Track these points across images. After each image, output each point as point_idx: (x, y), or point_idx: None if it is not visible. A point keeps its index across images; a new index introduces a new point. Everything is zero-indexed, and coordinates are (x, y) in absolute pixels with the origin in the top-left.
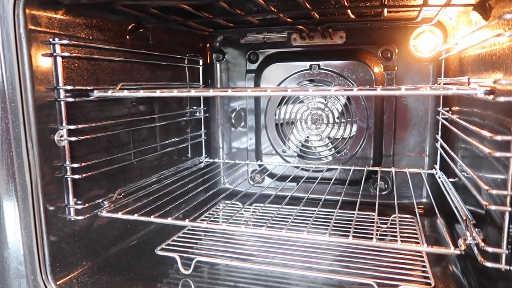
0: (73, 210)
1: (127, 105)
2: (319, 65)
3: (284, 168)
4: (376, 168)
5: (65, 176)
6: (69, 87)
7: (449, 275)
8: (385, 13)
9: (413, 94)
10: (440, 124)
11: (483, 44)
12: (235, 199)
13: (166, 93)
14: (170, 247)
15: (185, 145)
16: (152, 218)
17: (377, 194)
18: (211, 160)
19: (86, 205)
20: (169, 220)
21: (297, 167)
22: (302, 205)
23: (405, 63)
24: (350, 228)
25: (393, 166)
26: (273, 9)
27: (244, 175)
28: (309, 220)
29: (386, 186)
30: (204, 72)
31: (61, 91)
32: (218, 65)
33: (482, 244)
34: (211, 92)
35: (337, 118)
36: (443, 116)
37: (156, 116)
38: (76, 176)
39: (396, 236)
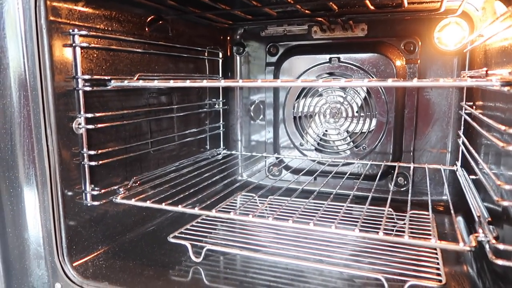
0: (89, 195)
1: (145, 95)
2: (339, 58)
3: (302, 161)
4: (395, 163)
5: (83, 162)
6: (87, 77)
7: (463, 274)
8: (406, 4)
9: (425, 85)
10: (462, 119)
11: (505, 34)
12: (248, 190)
13: (179, 83)
14: (183, 235)
15: (203, 136)
16: (163, 206)
17: (393, 189)
18: (229, 152)
19: (102, 191)
20: (179, 208)
21: (315, 161)
22: (316, 198)
23: (429, 56)
24: (364, 222)
25: (413, 161)
26: (290, 0)
27: (262, 168)
28: (319, 213)
29: (405, 182)
30: (224, 65)
31: (79, 80)
32: (238, 58)
33: (493, 241)
34: (222, 83)
35: (356, 112)
36: (466, 111)
37: (174, 107)
38: (93, 163)
39: (410, 232)
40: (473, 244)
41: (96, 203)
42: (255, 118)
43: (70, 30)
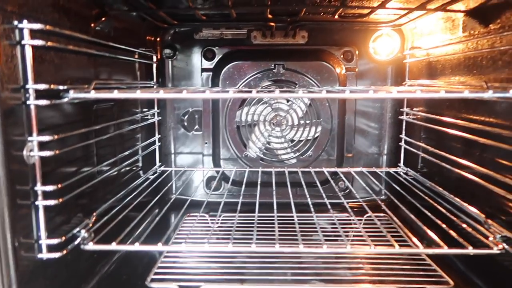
0: (45, 246)
1: (91, 110)
2: (283, 65)
3: (245, 173)
4: (338, 169)
5: (36, 202)
6: (41, 86)
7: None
8: (336, 16)
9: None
10: (404, 123)
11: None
12: (194, 209)
13: (161, 95)
14: (161, 276)
15: (140, 154)
16: (159, 246)
17: (340, 194)
18: (167, 169)
19: (63, 238)
20: (180, 246)
21: (260, 172)
22: (264, 210)
23: (365, 65)
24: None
25: (353, 165)
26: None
27: (200, 183)
28: (276, 227)
29: (346, 185)
30: (157, 70)
31: (30, 91)
32: (169, 62)
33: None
34: (206, 94)
35: (301, 119)
36: (409, 116)
37: (116, 122)
38: (51, 202)
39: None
40: (501, 246)
41: (55, 255)
42: (189, 129)
43: (16, 22)
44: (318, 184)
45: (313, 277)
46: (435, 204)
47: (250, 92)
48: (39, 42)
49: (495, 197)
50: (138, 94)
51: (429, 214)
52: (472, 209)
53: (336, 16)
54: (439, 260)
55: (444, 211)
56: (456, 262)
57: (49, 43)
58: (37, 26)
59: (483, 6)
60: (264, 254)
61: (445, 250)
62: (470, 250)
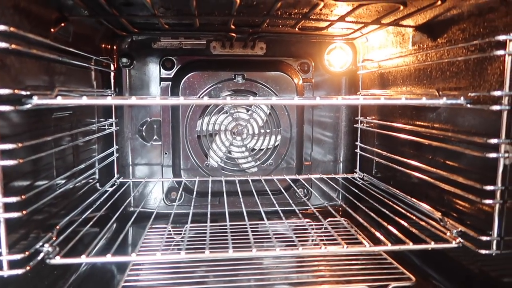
0: (6, 262)
1: (50, 118)
2: (243, 75)
3: (206, 183)
4: (297, 176)
5: None
6: (4, 91)
7: (418, 269)
8: (296, 29)
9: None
10: (359, 131)
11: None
12: (156, 221)
13: (121, 101)
14: None
15: (97, 166)
16: (133, 256)
17: (299, 201)
18: (126, 181)
19: (26, 253)
20: (155, 255)
21: (222, 181)
22: (230, 220)
23: (321, 76)
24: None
25: (312, 172)
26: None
27: (159, 194)
28: (229, 235)
29: (307, 191)
30: (115, 79)
31: None
32: (127, 71)
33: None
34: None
35: (261, 127)
36: (364, 124)
37: (75, 131)
38: (13, 215)
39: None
40: (458, 240)
41: (18, 271)
42: (147, 139)
43: None
44: (283, 190)
45: (278, 282)
46: (393, 205)
47: (202, 99)
48: (2, 45)
49: (448, 195)
50: (108, 101)
51: (388, 213)
52: (428, 208)
53: (296, 29)
54: (398, 257)
55: (402, 210)
56: (414, 259)
57: (13, 46)
58: (1, 27)
59: (431, 22)
60: (227, 263)
61: (409, 246)
62: (432, 245)
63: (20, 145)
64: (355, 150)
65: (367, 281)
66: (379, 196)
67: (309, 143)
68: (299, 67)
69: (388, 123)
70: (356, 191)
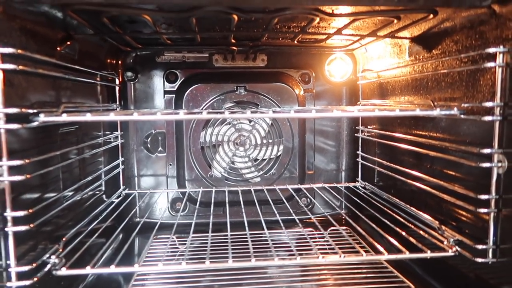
0: (15, 274)
1: (56, 134)
2: (245, 87)
3: (210, 193)
4: (300, 186)
5: (6, 229)
6: (12, 110)
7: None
8: (299, 40)
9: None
10: (360, 140)
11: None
12: (160, 231)
13: (125, 117)
14: None
15: (104, 178)
16: (135, 267)
17: (301, 210)
18: (131, 192)
19: (34, 264)
20: (157, 266)
21: (225, 191)
22: (232, 229)
23: (322, 86)
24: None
25: (315, 181)
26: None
27: (164, 205)
28: (229, 245)
29: (310, 201)
30: (120, 92)
31: (0, 115)
32: (131, 85)
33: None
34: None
35: (264, 138)
36: (365, 134)
37: (81, 145)
38: (22, 228)
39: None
40: (454, 249)
41: (25, 283)
42: (152, 151)
43: None
44: (285, 200)
45: None
46: (393, 214)
47: (201, 113)
48: (10, 66)
49: (446, 204)
50: (112, 117)
51: (388, 223)
52: (427, 217)
53: (295, 41)
54: (399, 267)
55: (402, 220)
56: (415, 268)
57: (20, 67)
58: (8, 50)
59: (426, 34)
60: (231, 272)
61: (406, 255)
62: (428, 254)
63: (27, 161)
64: (357, 159)
65: None
66: (380, 206)
67: (311, 152)
68: (300, 78)
69: (388, 133)
70: (358, 200)
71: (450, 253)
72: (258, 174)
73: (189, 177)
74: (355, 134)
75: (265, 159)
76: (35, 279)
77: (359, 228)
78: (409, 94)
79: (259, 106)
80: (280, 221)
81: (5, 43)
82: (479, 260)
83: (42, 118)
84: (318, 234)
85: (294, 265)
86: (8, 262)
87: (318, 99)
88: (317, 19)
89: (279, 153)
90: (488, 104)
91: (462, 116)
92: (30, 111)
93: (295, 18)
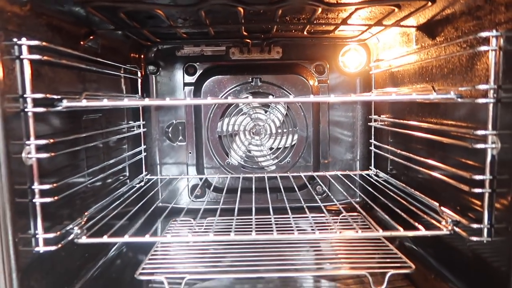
0: (42, 240)
1: (80, 119)
2: (260, 78)
3: (227, 180)
4: (314, 173)
5: (34, 200)
6: (38, 95)
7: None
8: (305, 33)
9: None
10: (373, 129)
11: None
12: (182, 215)
13: (133, 102)
14: (149, 270)
15: (127, 162)
16: (146, 238)
17: (316, 198)
18: (153, 177)
19: (58, 232)
20: (162, 237)
21: (242, 178)
22: (251, 214)
23: (336, 77)
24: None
25: (329, 170)
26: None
27: (185, 191)
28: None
29: (324, 189)
30: (143, 85)
31: (28, 100)
32: (153, 78)
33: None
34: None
35: (279, 128)
36: (379, 123)
37: (104, 131)
38: (47, 200)
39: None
40: (450, 228)
41: (51, 248)
42: (173, 140)
43: (16, 39)
44: (299, 188)
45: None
46: (400, 200)
47: (226, 98)
48: (35, 57)
49: (446, 187)
50: (125, 102)
51: (392, 206)
52: (430, 200)
53: (305, 33)
54: (402, 247)
55: (407, 204)
56: (418, 249)
57: (45, 57)
58: (34, 42)
59: (430, 22)
60: (243, 247)
61: (400, 232)
62: (422, 232)
63: (51, 141)
64: (370, 148)
65: (369, 268)
66: (389, 192)
67: (326, 142)
68: (314, 69)
69: (397, 120)
70: (370, 188)
71: (445, 231)
72: (273, 162)
73: (208, 165)
74: (368, 123)
75: (280, 148)
76: (60, 245)
77: (371, 216)
78: (417, 82)
79: (273, 97)
80: (288, 208)
81: (32, 37)
82: (474, 238)
83: (65, 103)
84: (332, 219)
85: (307, 244)
86: (36, 229)
87: (332, 89)
88: (319, 10)
89: (293, 142)
90: (483, 87)
91: (459, 99)
92: (55, 96)
93: (300, 10)
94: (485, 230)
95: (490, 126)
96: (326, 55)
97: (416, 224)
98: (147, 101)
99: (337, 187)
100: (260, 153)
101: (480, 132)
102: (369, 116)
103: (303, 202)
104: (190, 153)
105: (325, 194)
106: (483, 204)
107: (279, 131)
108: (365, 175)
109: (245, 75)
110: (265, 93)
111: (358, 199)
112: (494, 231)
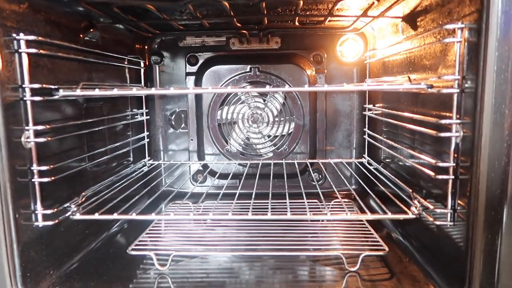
0: (41, 215)
1: (80, 107)
2: (258, 68)
3: (227, 166)
4: (310, 160)
5: (32, 180)
6: (36, 85)
7: (393, 240)
8: (296, 23)
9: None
10: (367, 118)
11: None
12: (185, 199)
13: (126, 92)
14: (141, 246)
15: (131, 147)
16: (132, 216)
17: (312, 184)
18: (155, 162)
19: (55, 209)
20: (151, 216)
21: (240, 164)
22: (250, 198)
23: (333, 66)
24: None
25: (325, 158)
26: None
27: (187, 176)
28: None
29: (320, 176)
30: (145, 74)
31: (26, 89)
32: (157, 68)
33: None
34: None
35: (276, 116)
36: (372, 112)
37: (105, 118)
38: (45, 179)
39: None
40: (416, 212)
41: (49, 223)
42: (176, 127)
43: (14, 34)
44: (294, 175)
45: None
46: (384, 188)
47: (226, 87)
48: (32, 50)
49: (419, 174)
50: (115, 92)
51: (371, 193)
52: (405, 187)
53: (298, 23)
54: (380, 230)
55: (387, 192)
56: (396, 233)
57: (41, 51)
58: (31, 37)
59: (412, 13)
60: (238, 228)
61: (367, 216)
62: (389, 216)
63: (48, 126)
64: (364, 136)
65: (344, 249)
66: (375, 180)
67: (322, 130)
68: (312, 59)
69: (387, 110)
70: (361, 176)
71: (410, 215)
72: (271, 149)
73: (208, 152)
74: (363, 112)
75: (277, 136)
76: (57, 221)
77: (363, 200)
78: (402, 72)
79: (270, 86)
80: (287, 194)
81: (30, 32)
82: (438, 223)
83: (61, 93)
84: (326, 204)
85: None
86: (35, 206)
87: (329, 79)
88: (301, 2)
89: (290, 131)
90: (448, 77)
91: (429, 90)
92: (52, 86)
93: (283, 2)
94: (449, 215)
95: (454, 115)
96: (324, 45)
97: (387, 210)
98: (144, 91)
99: (332, 174)
100: (258, 140)
101: (444, 121)
102: (364, 105)
103: (302, 189)
104: (191, 140)
105: (321, 181)
106: (447, 190)
107: (277, 119)
108: (357, 163)
109: (244, 65)
110: (263, 82)
111: (354, 186)
112: (457, 216)
